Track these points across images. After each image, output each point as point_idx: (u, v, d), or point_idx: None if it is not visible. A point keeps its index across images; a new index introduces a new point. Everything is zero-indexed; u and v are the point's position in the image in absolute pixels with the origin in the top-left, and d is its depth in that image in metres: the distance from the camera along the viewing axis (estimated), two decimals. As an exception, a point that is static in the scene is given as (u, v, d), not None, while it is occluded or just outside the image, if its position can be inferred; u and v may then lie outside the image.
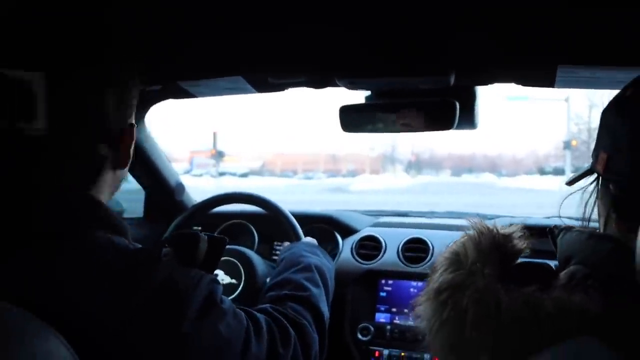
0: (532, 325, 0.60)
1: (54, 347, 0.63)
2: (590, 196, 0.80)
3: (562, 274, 0.70)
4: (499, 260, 0.71)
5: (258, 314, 0.98)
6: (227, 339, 0.83)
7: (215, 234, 0.93)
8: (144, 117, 1.81)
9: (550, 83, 1.22)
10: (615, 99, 0.74)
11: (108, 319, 0.72)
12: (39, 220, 0.78)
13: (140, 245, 0.83)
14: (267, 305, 1.10)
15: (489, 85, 1.36)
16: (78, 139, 0.82)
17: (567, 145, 16.08)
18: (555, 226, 0.80)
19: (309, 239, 1.63)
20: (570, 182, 0.84)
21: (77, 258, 0.76)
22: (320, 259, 1.42)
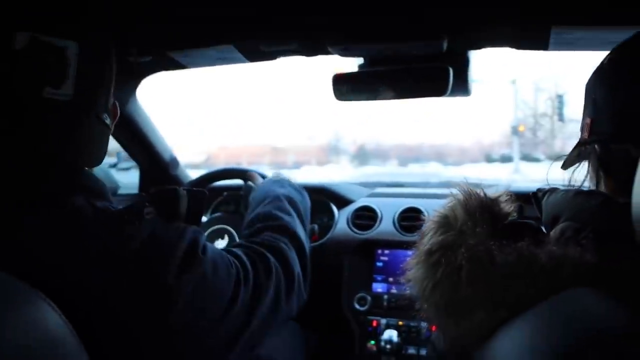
0: (527, 278, 0.60)
1: (44, 312, 0.63)
2: (578, 165, 0.82)
3: (552, 232, 0.70)
4: (488, 221, 0.71)
5: (238, 251, 0.99)
6: (213, 288, 0.84)
7: (193, 188, 0.93)
8: (135, 90, 1.79)
9: (543, 45, 1.21)
10: (596, 69, 0.77)
11: (94, 281, 0.73)
12: (19, 189, 0.78)
13: (121, 207, 0.83)
14: (242, 240, 1.11)
15: (481, 50, 1.35)
16: (95, 106, 0.85)
17: (514, 130, 16.02)
18: (539, 189, 0.81)
19: (275, 173, 1.61)
20: (565, 165, 0.85)
21: (59, 223, 0.76)
22: (288, 189, 1.40)
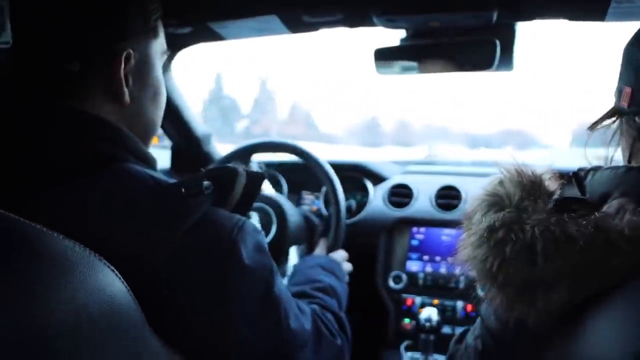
0: (612, 249, 0.57)
1: (109, 279, 0.62)
2: (613, 135, 0.79)
3: (607, 208, 0.67)
4: (543, 197, 0.69)
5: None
6: (278, 296, 0.83)
7: (252, 170, 0.90)
8: (170, 64, 1.77)
9: (601, 16, 1.16)
10: (638, 34, 0.73)
11: (151, 252, 0.71)
12: (77, 151, 0.77)
13: (175, 180, 0.81)
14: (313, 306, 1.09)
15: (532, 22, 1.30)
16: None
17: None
18: (581, 168, 0.78)
19: (339, 254, 1.59)
20: (593, 126, 0.82)
21: (116, 191, 0.75)
22: (340, 281, 1.35)
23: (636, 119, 0.71)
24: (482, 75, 1.45)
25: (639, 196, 0.65)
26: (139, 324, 0.65)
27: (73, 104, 0.79)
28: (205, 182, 0.79)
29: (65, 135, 0.77)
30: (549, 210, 0.66)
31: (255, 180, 0.88)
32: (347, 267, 1.52)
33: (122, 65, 0.81)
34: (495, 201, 0.70)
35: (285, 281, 1.39)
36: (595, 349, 0.52)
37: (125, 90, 0.83)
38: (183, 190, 0.76)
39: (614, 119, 0.78)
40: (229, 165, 0.86)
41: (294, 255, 1.66)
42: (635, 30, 0.74)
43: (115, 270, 0.63)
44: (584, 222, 0.60)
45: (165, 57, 0.94)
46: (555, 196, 0.72)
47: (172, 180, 0.80)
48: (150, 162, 0.87)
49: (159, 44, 0.91)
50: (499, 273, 0.65)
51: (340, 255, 1.58)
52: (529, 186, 0.70)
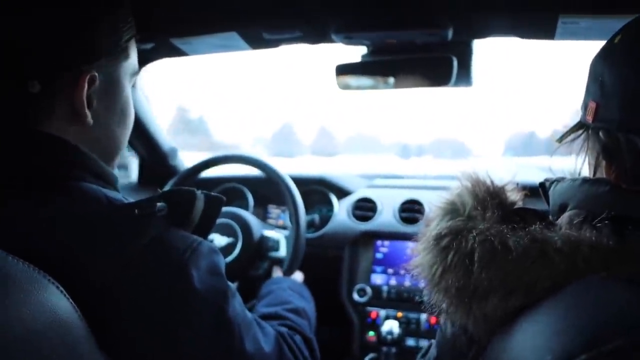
0: (542, 261, 0.59)
1: (54, 297, 0.62)
2: (580, 149, 0.79)
3: (560, 219, 0.69)
4: (496, 206, 0.71)
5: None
6: (231, 319, 0.83)
7: (211, 193, 0.90)
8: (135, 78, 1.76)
9: (550, 35, 1.20)
10: (604, 48, 0.73)
11: (100, 271, 0.71)
12: (30, 169, 0.77)
13: (132, 200, 0.81)
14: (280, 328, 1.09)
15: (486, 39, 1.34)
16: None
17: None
18: (546, 179, 0.80)
19: (296, 276, 1.62)
20: (560, 139, 0.84)
21: (69, 210, 0.75)
22: (309, 303, 1.39)
23: (600, 134, 0.71)
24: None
25: (590, 208, 0.66)
26: (85, 341, 0.65)
27: (30, 124, 0.78)
28: (159, 204, 0.78)
29: (17, 154, 0.77)
30: (494, 220, 0.67)
31: (214, 203, 0.88)
32: None
33: (85, 87, 0.80)
34: (450, 209, 0.72)
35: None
36: (519, 358, 0.54)
37: (87, 112, 0.81)
38: (136, 210, 0.76)
39: (579, 132, 0.79)
40: (186, 188, 0.85)
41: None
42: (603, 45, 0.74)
43: (61, 287, 0.63)
44: (521, 234, 0.62)
45: (136, 77, 0.93)
46: (516, 207, 0.75)
47: (127, 200, 0.81)
48: (109, 180, 0.86)
49: (130, 65, 0.89)
50: (441, 280, 0.66)
51: (299, 276, 1.61)
52: (483, 196, 0.72)
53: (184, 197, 0.84)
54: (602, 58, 0.72)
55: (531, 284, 0.59)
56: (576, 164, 0.82)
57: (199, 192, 0.86)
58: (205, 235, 0.86)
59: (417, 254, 0.72)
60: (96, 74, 0.81)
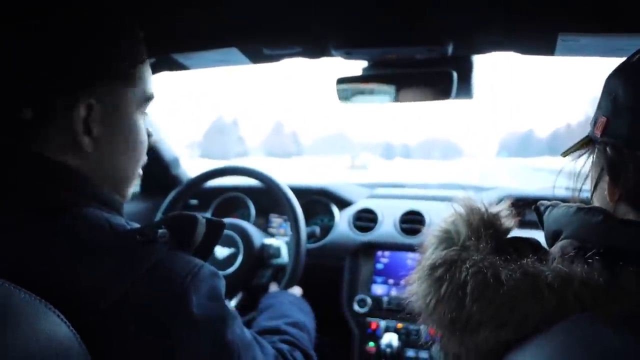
0: (533, 296, 0.59)
1: (55, 326, 0.62)
2: (584, 164, 0.80)
3: (553, 249, 0.69)
4: (490, 236, 0.71)
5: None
6: (230, 343, 0.82)
7: (212, 217, 0.90)
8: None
9: (550, 51, 1.20)
10: (621, 65, 0.73)
11: (101, 297, 0.71)
12: (30, 196, 0.77)
13: (135, 225, 0.81)
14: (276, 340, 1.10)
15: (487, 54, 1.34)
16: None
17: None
18: (541, 203, 0.80)
19: (295, 290, 1.63)
20: (566, 153, 0.84)
21: (71, 235, 0.74)
22: (309, 317, 1.39)
23: (607, 149, 0.71)
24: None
25: (583, 237, 0.66)
26: None
27: (32, 148, 0.78)
28: (161, 230, 0.78)
29: (20, 179, 0.77)
30: (488, 251, 0.67)
31: (215, 228, 0.89)
32: None
33: (82, 114, 0.79)
34: (445, 238, 0.72)
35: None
36: None
37: (85, 139, 0.80)
38: (138, 237, 0.76)
39: (586, 148, 0.79)
40: (188, 213, 0.85)
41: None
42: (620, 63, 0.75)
43: (61, 315, 0.63)
44: (514, 267, 0.62)
45: (148, 103, 0.90)
46: (510, 234, 0.75)
47: (130, 226, 0.81)
48: (114, 206, 0.85)
49: (138, 92, 0.87)
50: (434, 311, 0.67)
51: (298, 291, 1.61)
52: (477, 225, 0.72)
53: (185, 222, 0.85)
54: (617, 75, 0.72)
55: (522, 318, 0.59)
56: (576, 182, 0.82)
57: (200, 217, 0.86)
58: (206, 258, 0.86)
59: (413, 283, 0.72)
60: (93, 101, 0.80)
